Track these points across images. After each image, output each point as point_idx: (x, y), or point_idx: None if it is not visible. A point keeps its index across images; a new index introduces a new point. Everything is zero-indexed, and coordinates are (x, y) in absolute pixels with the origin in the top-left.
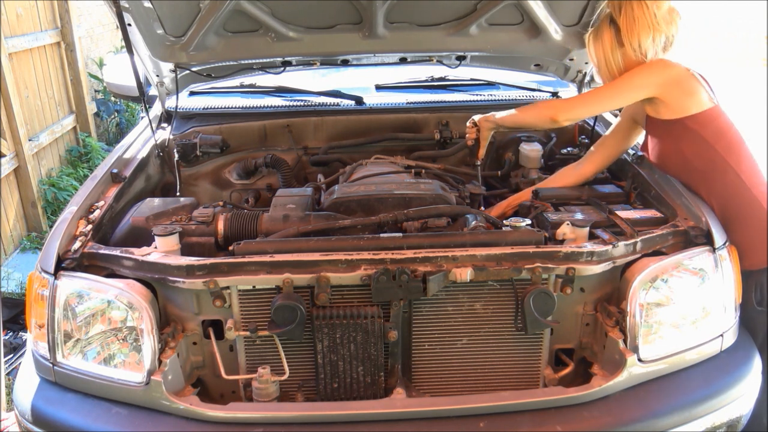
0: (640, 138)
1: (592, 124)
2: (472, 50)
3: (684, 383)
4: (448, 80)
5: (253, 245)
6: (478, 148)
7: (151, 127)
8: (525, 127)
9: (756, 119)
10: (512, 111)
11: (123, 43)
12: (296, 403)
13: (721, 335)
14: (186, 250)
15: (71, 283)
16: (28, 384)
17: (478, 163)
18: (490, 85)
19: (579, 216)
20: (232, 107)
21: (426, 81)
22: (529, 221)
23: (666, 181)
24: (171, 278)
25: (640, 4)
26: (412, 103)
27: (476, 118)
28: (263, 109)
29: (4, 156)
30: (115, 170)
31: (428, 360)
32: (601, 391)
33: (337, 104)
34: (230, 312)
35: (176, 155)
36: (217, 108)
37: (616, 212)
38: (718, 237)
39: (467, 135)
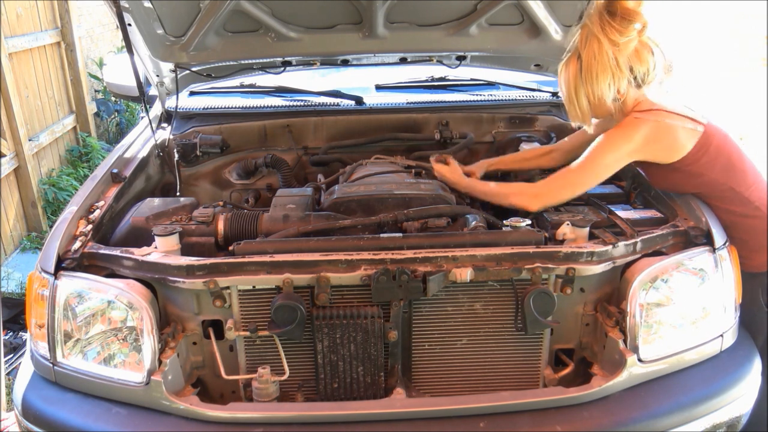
0: None
1: None
2: (472, 50)
3: (684, 383)
4: (448, 80)
5: (253, 245)
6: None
7: (151, 127)
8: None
9: (756, 119)
10: (490, 185)
11: (123, 43)
12: (296, 403)
13: (721, 335)
14: (186, 250)
15: (71, 283)
16: (28, 384)
17: None
18: (490, 85)
19: (579, 216)
20: (232, 107)
21: (426, 81)
22: (529, 221)
23: None
24: (171, 278)
25: (600, 44)
26: (412, 103)
27: (445, 171)
28: (263, 109)
29: (4, 156)
30: (115, 170)
31: (428, 360)
32: (601, 391)
33: (337, 104)
34: (230, 312)
35: (176, 155)
36: (217, 108)
37: (616, 212)
38: (718, 237)
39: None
